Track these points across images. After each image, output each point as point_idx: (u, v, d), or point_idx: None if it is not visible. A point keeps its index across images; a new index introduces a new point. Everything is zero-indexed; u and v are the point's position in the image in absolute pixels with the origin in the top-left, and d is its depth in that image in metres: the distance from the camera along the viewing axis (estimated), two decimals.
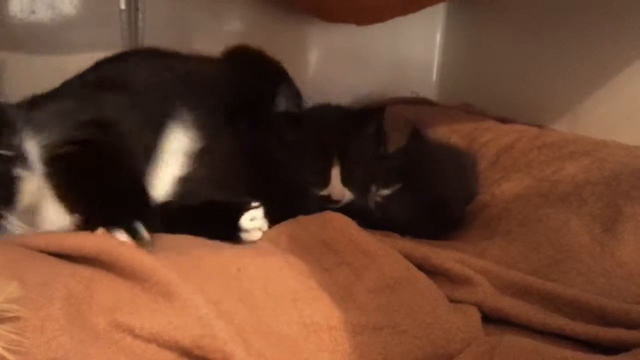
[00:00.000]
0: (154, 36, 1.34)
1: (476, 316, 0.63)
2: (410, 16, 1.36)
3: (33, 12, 1.25)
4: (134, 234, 0.59)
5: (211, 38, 1.44)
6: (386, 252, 0.68)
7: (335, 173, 0.90)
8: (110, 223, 0.59)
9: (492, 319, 0.65)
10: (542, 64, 1.33)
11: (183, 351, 0.49)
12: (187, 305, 0.50)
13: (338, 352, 0.54)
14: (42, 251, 0.57)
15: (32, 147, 0.65)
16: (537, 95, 1.35)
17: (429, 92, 1.68)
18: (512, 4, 1.45)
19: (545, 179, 0.94)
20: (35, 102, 0.75)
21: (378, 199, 0.91)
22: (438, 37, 1.71)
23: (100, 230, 0.58)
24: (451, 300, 0.65)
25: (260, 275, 0.59)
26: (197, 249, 0.61)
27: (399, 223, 0.87)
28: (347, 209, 0.79)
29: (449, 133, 1.22)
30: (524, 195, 0.92)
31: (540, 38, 1.34)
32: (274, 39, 1.50)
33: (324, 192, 0.90)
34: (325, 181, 0.90)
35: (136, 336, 0.48)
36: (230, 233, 0.70)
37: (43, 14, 1.26)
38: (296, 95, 1.11)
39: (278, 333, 0.54)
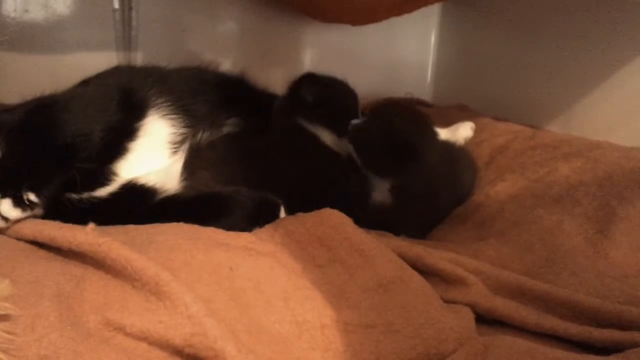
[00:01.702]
0: (148, 36, 1.33)
1: (469, 316, 0.63)
2: (405, 17, 1.36)
3: (27, 11, 1.24)
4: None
5: (205, 38, 1.44)
6: (380, 251, 0.68)
7: None
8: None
9: (485, 320, 0.65)
10: (536, 65, 1.33)
11: (174, 349, 0.49)
12: (177, 304, 0.50)
13: (330, 350, 0.54)
14: (30, 241, 0.57)
15: None
16: (531, 96, 1.35)
17: (424, 93, 1.68)
18: (506, 6, 1.45)
19: (539, 179, 0.94)
20: None
21: None
22: (432, 38, 1.71)
23: (91, 226, 0.58)
24: (445, 301, 0.65)
25: (252, 274, 0.59)
26: (189, 245, 0.61)
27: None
28: None
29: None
30: (518, 196, 0.92)
31: (534, 39, 1.34)
32: (268, 40, 1.50)
33: None
34: None
35: (127, 334, 0.48)
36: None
37: (36, 13, 1.25)
38: None
39: (270, 332, 0.54)
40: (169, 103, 0.86)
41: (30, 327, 0.47)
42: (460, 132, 1.16)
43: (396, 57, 1.68)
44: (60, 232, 0.56)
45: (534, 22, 1.35)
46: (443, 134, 1.14)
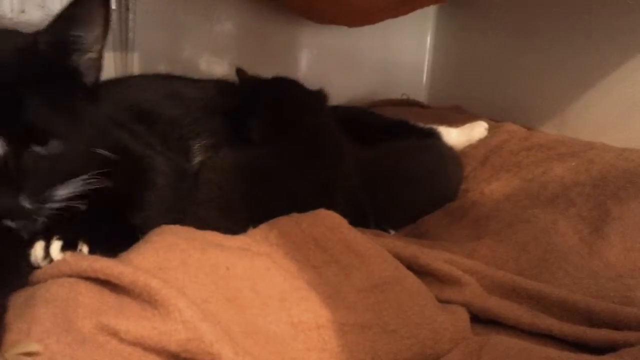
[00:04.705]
0: (145, 36, 1.33)
1: (464, 316, 0.63)
2: (401, 19, 1.36)
3: (23, 11, 1.24)
4: None
5: (202, 39, 1.44)
6: (376, 252, 0.68)
7: None
8: None
9: (480, 319, 0.66)
10: (531, 66, 1.34)
11: (170, 355, 0.49)
12: (170, 310, 0.50)
13: (326, 351, 0.54)
14: None
15: None
16: (526, 98, 1.36)
17: (420, 94, 1.69)
18: (501, 8, 1.46)
19: (534, 179, 0.95)
20: None
21: None
22: (428, 40, 1.72)
23: (68, 253, 0.57)
24: (440, 301, 0.65)
25: (249, 274, 0.59)
26: (185, 245, 0.61)
27: None
28: None
29: None
30: (513, 196, 0.93)
31: (529, 41, 1.35)
32: (265, 41, 1.50)
33: None
34: None
35: (121, 340, 0.48)
36: None
37: (33, 14, 1.25)
38: None
39: (266, 333, 0.54)
40: (203, 141, 0.89)
41: (26, 332, 0.47)
42: (475, 134, 1.18)
43: (392, 59, 1.68)
44: (43, 270, 0.56)
45: (528, 24, 1.36)
46: (457, 133, 1.16)
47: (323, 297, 0.58)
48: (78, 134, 0.59)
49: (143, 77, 1.04)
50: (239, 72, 1.05)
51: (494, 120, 1.25)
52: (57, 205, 0.58)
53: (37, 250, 0.57)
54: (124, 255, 0.59)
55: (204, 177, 0.84)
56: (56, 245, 0.57)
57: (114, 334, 0.48)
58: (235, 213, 0.80)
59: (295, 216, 0.74)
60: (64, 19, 0.59)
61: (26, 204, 0.55)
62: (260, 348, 0.52)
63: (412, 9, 1.32)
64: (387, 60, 1.67)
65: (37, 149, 0.56)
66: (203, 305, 0.53)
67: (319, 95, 1.02)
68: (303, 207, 0.76)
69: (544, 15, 1.31)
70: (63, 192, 0.58)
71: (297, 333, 0.55)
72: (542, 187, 0.92)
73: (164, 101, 0.93)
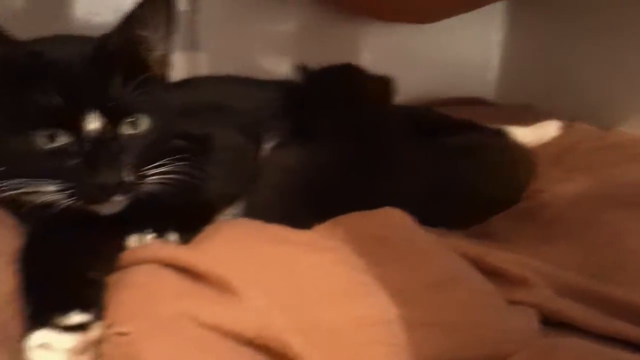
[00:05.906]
0: (212, 37, 1.38)
1: (533, 318, 0.62)
2: (468, 16, 1.34)
3: (97, 14, 1.29)
4: None
5: (266, 39, 1.47)
6: (440, 250, 0.68)
7: None
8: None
9: (549, 322, 0.64)
10: (612, 63, 1.28)
11: (245, 340, 0.51)
12: (243, 299, 0.52)
13: (393, 345, 0.54)
14: None
15: None
16: (604, 97, 1.29)
17: (487, 92, 1.65)
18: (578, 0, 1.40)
19: (610, 181, 0.91)
20: None
21: None
22: (497, 36, 1.68)
23: (150, 238, 0.62)
24: (510, 302, 0.64)
25: (315, 269, 0.60)
26: (254, 240, 0.63)
27: None
28: None
29: None
30: (586, 197, 0.89)
31: (612, 37, 1.28)
32: (328, 40, 1.52)
33: None
34: None
35: (200, 324, 0.51)
36: None
37: (106, 17, 1.31)
38: None
39: (332, 327, 0.55)
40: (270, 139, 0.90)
41: (112, 314, 0.51)
42: (547, 133, 1.15)
43: (458, 56, 1.65)
44: (127, 258, 0.60)
45: (610, 19, 1.28)
46: (527, 132, 1.13)
47: (388, 293, 0.59)
48: (161, 115, 0.65)
49: (210, 78, 1.07)
50: (300, 69, 1.02)
51: (567, 120, 1.21)
52: (152, 182, 0.63)
53: (133, 244, 0.62)
54: (197, 245, 0.62)
55: (264, 178, 0.82)
56: (150, 238, 0.62)
57: (193, 319, 0.51)
58: (296, 219, 0.79)
59: (359, 214, 0.75)
60: (129, 20, 0.64)
61: (128, 177, 0.60)
62: (326, 340, 0.53)
63: (480, 4, 1.29)
64: (453, 58, 1.64)
65: (130, 126, 0.62)
66: (271, 296, 0.54)
67: (386, 82, 0.98)
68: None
69: (627, 8, 1.24)
70: (155, 171, 0.63)
71: (364, 327, 0.55)
72: (618, 188, 0.88)
73: (232, 99, 0.96)
